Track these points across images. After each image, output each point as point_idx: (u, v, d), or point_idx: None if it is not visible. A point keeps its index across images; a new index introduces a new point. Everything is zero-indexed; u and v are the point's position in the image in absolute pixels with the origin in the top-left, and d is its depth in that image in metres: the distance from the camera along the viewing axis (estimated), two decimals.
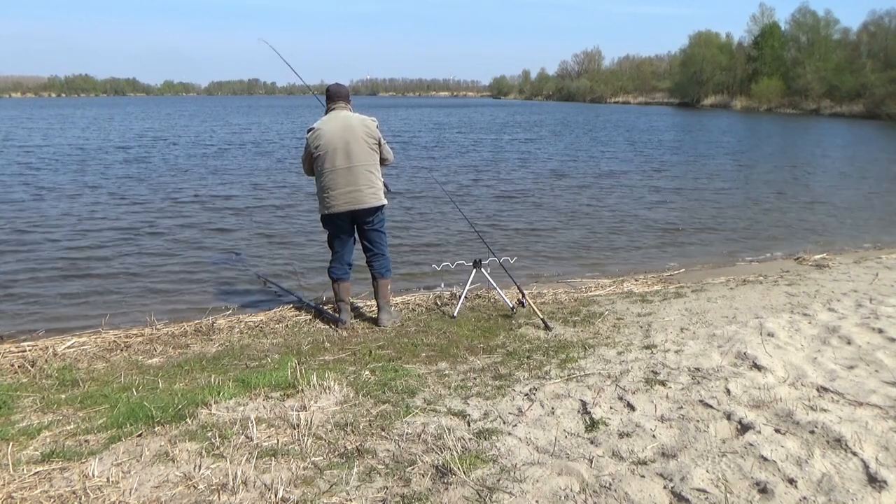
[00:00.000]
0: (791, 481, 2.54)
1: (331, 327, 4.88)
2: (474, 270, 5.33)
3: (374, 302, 5.18)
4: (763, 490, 2.49)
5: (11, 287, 6.55)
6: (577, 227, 9.80)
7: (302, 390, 3.50)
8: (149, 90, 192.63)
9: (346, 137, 4.60)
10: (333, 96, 4.79)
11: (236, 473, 2.63)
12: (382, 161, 4.83)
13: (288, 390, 3.53)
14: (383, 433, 3.03)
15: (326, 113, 4.77)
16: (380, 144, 4.75)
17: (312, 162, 4.73)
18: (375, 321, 4.97)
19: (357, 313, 5.23)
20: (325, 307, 5.38)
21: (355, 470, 2.69)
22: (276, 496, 2.49)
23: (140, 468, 2.73)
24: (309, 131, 4.73)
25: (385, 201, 4.83)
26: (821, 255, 7.61)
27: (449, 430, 3.03)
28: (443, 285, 6.03)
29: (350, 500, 2.49)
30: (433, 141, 25.28)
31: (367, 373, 3.85)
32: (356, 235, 4.95)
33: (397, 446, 2.90)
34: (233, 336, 4.73)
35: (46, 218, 9.90)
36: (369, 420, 3.17)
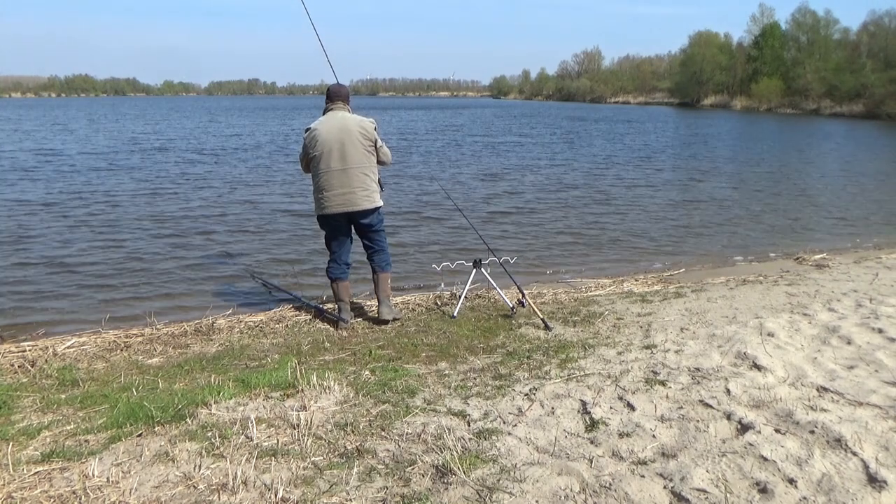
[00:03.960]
0: (791, 481, 2.54)
1: (331, 327, 4.89)
2: (474, 270, 5.33)
3: (374, 302, 5.18)
4: (763, 490, 2.49)
5: (11, 287, 6.55)
6: (578, 226, 9.80)
7: (302, 390, 3.50)
8: (149, 90, 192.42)
9: (342, 139, 4.60)
10: (333, 96, 4.79)
11: (236, 473, 2.63)
12: (380, 163, 4.83)
13: (288, 390, 3.54)
14: (383, 433, 3.03)
15: (325, 113, 4.77)
16: (376, 146, 4.75)
17: (309, 162, 4.73)
18: (376, 320, 4.98)
19: (357, 313, 5.23)
20: (325, 307, 5.38)
21: (355, 470, 2.69)
22: (276, 496, 2.49)
23: (140, 468, 2.73)
24: (306, 131, 4.73)
25: (380, 203, 4.83)
26: (821, 255, 7.62)
27: (449, 430, 3.03)
28: (443, 285, 6.03)
29: (350, 500, 2.49)
30: (433, 142, 25.27)
31: (367, 373, 3.85)
32: (353, 235, 4.96)
33: (397, 446, 2.90)
34: (233, 336, 4.73)
35: (46, 219, 9.90)
36: (369, 420, 3.17)
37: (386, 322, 4.89)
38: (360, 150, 4.65)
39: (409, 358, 4.16)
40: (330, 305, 5.35)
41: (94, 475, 2.66)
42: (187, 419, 3.18)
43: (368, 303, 5.54)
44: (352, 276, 5.09)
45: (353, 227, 4.91)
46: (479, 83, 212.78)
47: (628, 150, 22.22)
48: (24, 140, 24.86)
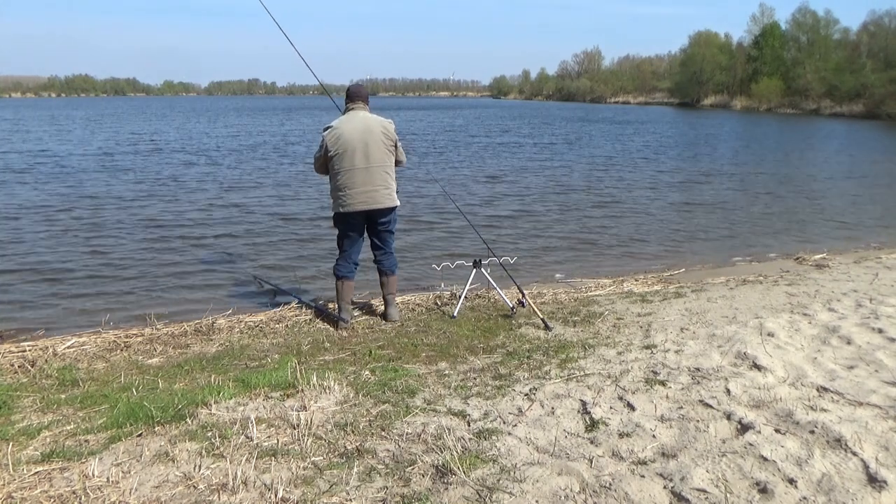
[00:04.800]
0: (791, 481, 2.54)
1: (331, 327, 4.89)
2: (474, 270, 5.33)
3: (374, 302, 5.19)
4: (763, 490, 2.49)
5: (11, 287, 6.55)
6: (578, 227, 9.80)
7: (302, 390, 3.50)
8: (149, 90, 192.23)
9: (366, 138, 4.65)
10: (353, 97, 4.83)
11: (236, 473, 2.63)
12: (397, 163, 4.89)
13: (288, 390, 3.54)
14: (383, 433, 3.03)
15: (345, 112, 4.81)
16: (396, 146, 4.82)
17: (327, 160, 4.75)
18: (378, 319, 5.02)
19: (357, 313, 5.23)
20: (326, 307, 5.38)
21: (355, 470, 2.69)
22: (276, 496, 2.49)
23: (140, 468, 2.73)
24: (326, 129, 4.74)
25: (398, 202, 4.90)
26: (821, 255, 7.61)
27: (449, 430, 3.03)
28: (443, 285, 6.03)
29: (350, 500, 2.49)
30: (433, 143, 25.28)
31: (367, 373, 3.85)
32: (365, 235, 4.99)
33: (397, 446, 2.90)
34: (233, 336, 4.73)
35: (44, 220, 9.90)
36: (369, 420, 3.17)
37: (395, 322, 4.93)
38: (382, 150, 4.71)
39: (409, 358, 4.16)
40: (331, 305, 5.36)
41: (94, 475, 2.66)
42: (187, 419, 3.17)
43: (368, 303, 5.54)
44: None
45: (365, 227, 4.94)
46: (479, 83, 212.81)
47: (629, 150, 22.22)
48: (25, 141, 24.86)
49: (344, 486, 2.58)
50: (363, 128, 4.67)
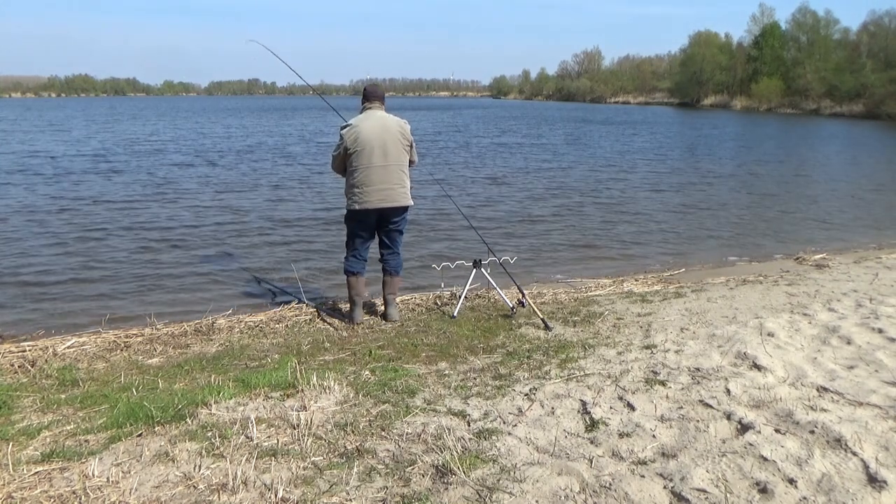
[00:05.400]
0: (791, 481, 2.54)
1: (331, 327, 4.89)
2: (474, 270, 5.33)
3: (374, 301, 5.18)
4: (763, 490, 2.49)
5: (11, 287, 6.55)
6: (578, 227, 9.80)
7: (302, 390, 3.50)
8: (149, 90, 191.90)
9: (384, 137, 4.69)
10: (370, 96, 4.87)
11: (236, 473, 2.63)
12: (410, 162, 4.93)
13: (288, 390, 3.54)
14: (383, 433, 3.03)
15: (362, 112, 4.84)
16: (411, 147, 4.87)
17: (345, 158, 4.76)
18: (378, 319, 5.03)
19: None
20: (328, 307, 5.39)
21: (355, 470, 2.69)
22: (276, 496, 2.49)
23: (140, 468, 2.73)
24: (344, 128, 4.76)
25: (412, 202, 4.93)
26: (821, 255, 7.62)
27: (449, 430, 3.03)
28: (443, 285, 6.03)
29: (350, 500, 2.49)
30: (434, 143, 25.27)
31: (367, 373, 3.85)
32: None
33: (397, 446, 2.90)
34: (233, 336, 4.73)
35: (46, 219, 9.90)
36: (369, 420, 3.17)
37: (395, 322, 4.95)
38: (399, 149, 4.76)
39: (409, 358, 4.16)
40: (342, 304, 5.38)
41: (94, 475, 2.66)
42: (187, 419, 3.17)
43: (368, 302, 5.54)
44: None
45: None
46: (479, 83, 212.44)
47: (629, 151, 22.22)
48: (26, 143, 24.86)
49: (344, 486, 2.58)
50: (381, 126, 4.71)
